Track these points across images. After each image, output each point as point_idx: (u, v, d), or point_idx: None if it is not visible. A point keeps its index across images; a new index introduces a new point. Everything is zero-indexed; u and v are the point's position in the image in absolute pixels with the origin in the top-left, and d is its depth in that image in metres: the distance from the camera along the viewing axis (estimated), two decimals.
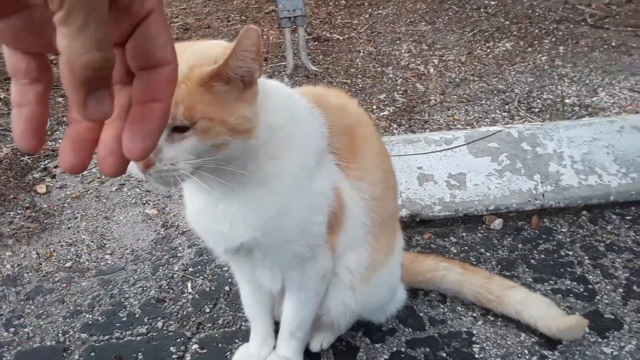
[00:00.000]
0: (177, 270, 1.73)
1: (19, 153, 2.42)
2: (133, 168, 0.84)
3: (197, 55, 0.87)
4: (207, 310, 1.55)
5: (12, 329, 1.50)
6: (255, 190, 1.00)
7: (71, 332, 1.48)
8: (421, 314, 1.52)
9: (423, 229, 1.87)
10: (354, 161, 1.15)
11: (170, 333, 1.47)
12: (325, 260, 1.16)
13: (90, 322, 1.52)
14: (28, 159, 2.39)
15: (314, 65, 3.24)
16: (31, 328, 1.50)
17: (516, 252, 1.75)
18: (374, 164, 1.20)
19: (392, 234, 1.32)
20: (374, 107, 2.81)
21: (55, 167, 2.35)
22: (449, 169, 1.99)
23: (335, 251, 1.17)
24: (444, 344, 1.42)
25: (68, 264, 1.78)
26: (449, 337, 1.44)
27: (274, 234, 1.04)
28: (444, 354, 1.39)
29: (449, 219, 1.90)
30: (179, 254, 1.81)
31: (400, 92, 2.97)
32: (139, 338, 1.46)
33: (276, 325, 1.34)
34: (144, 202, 2.11)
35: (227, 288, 1.63)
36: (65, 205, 2.09)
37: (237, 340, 1.44)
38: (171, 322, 1.51)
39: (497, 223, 1.87)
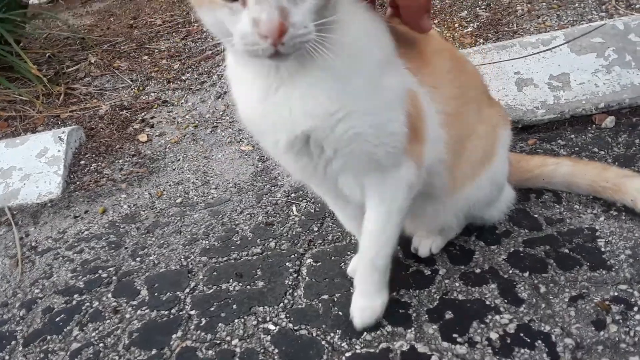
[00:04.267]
0: (280, 197, 1.77)
1: (117, 108, 2.55)
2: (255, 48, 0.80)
3: None
4: (315, 229, 1.58)
5: (138, 259, 1.61)
6: (321, 73, 0.91)
7: (192, 257, 1.57)
8: (536, 215, 1.46)
9: (526, 135, 1.78)
10: (425, 68, 1.06)
11: (284, 251, 1.52)
12: (409, 170, 1.06)
13: (207, 247, 1.60)
14: (126, 112, 2.51)
15: None
16: (155, 256, 1.61)
17: (634, 148, 1.62)
18: (446, 80, 1.12)
19: (487, 144, 1.24)
20: (456, 25, 2.67)
21: (152, 117, 2.45)
22: (550, 70, 1.86)
23: (420, 163, 1.08)
24: (565, 241, 1.35)
25: (178, 200, 1.87)
26: (570, 234, 1.37)
27: (340, 124, 0.94)
28: (567, 250, 1.33)
29: (554, 122, 1.79)
30: (279, 183, 1.85)
31: (482, 7, 2.80)
32: (255, 257, 1.52)
33: None
34: (238, 140, 2.16)
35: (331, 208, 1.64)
36: (167, 150, 2.19)
37: (348, 253, 1.45)
38: (283, 241, 1.56)
39: (609, 121, 1.74)
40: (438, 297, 1.27)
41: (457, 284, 1.30)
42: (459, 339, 1.15)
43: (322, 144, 0.98)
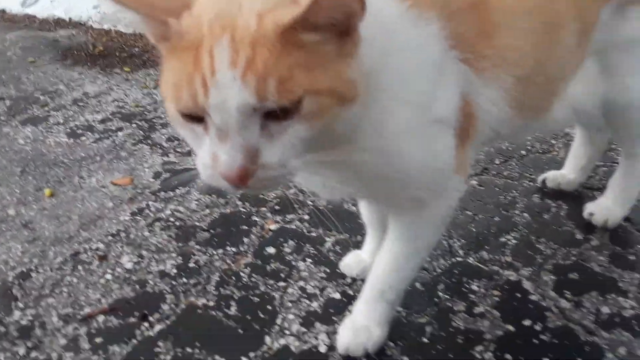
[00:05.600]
0: None
1: None
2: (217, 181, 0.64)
3: None
4: None
5: None
6: (353, 152, 0.72)
7: None
8: None
9: None
10: (489, 44, 0.82)
11: None
12: (454, 194, 0.88)
13: None
14: None
15: None
16: None
17: None
18: (522, 31, 0.86)
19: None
20: None
21: None
22: None
23: (467, 169, 0.90)
24: None
25: None
26: None
27: (381, 187, 0.83)
28: None
29: None
30: None
31: None
32: None
33: None
34: None
35: None
36: None
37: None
38: None
39: None
40: (574, 259, 1.25)
41: (601, 258, 1.25)
42: (567, 295, 1.15)
43: None
